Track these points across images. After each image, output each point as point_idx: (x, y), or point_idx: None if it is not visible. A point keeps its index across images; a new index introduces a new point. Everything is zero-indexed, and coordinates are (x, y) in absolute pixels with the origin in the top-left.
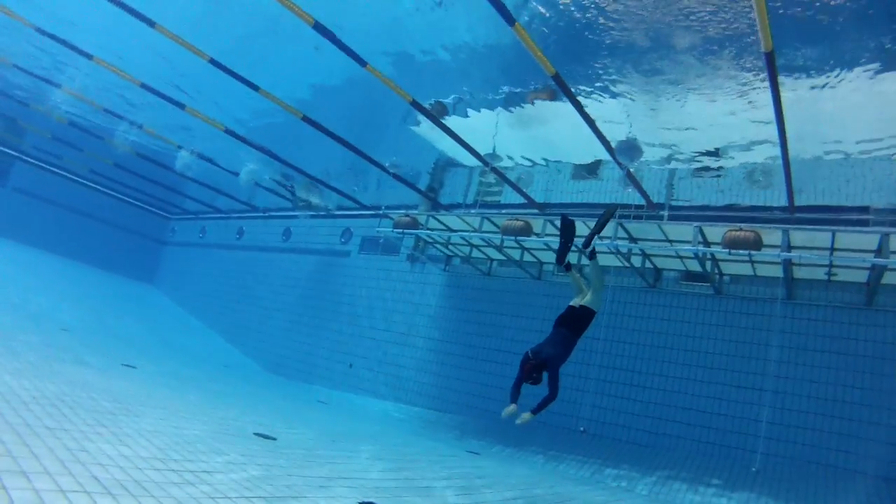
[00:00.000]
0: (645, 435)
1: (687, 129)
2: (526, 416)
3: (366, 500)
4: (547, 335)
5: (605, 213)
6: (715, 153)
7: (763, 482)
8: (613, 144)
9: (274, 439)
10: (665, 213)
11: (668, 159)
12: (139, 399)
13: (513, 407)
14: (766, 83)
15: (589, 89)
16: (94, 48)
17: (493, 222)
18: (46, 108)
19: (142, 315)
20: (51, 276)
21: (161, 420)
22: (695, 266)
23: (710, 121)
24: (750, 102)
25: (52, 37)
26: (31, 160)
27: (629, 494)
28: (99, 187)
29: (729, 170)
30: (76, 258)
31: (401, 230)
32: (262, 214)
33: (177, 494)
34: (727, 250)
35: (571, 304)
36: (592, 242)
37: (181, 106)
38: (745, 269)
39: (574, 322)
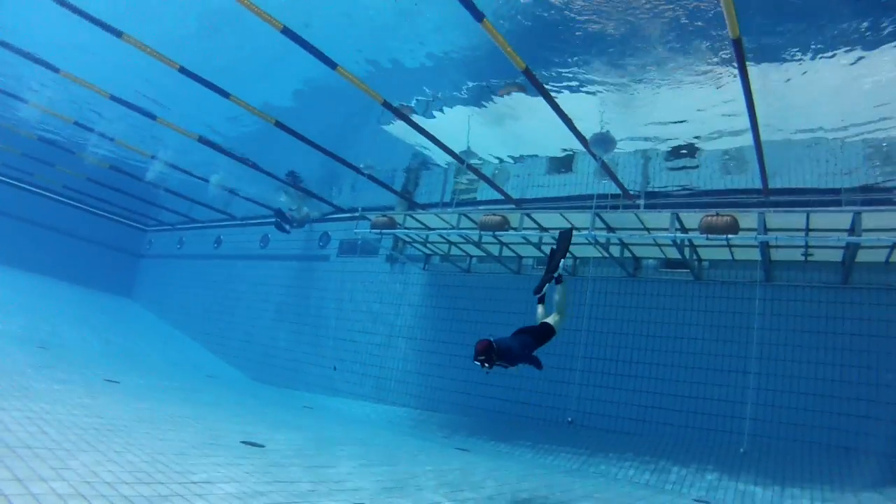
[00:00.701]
0: (632, 423)
1: (660, 118)
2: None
3: (357, 502)
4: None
5: (561, 242)
6: (689, 142)
7: (751, 463)
8: (587, 137)
9: (262, 447)
10: (641, 202)
11: (642, 149)
12: (123, 414)
13: None
14: (736, 70)
15: (560, 83)
16: (61, 61)
17: (470, 219)
18: (14, 124)
19: (122, 329)
20: (27, 294)
21: (146, 433)
22: (673, 253)
23: (683, 109)
24: (721, 89)
25: (18, 50)
26: (2, 178)
27: (617, 482)
28: (73, 202)
29: (703, 157)
30: (52, 275)
31: (378, 230)
32: (239, 222)
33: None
34: (704, 236)
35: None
36: (557, 271)
37: (152, 117)
38: (724, 254)
39: (536, 335)
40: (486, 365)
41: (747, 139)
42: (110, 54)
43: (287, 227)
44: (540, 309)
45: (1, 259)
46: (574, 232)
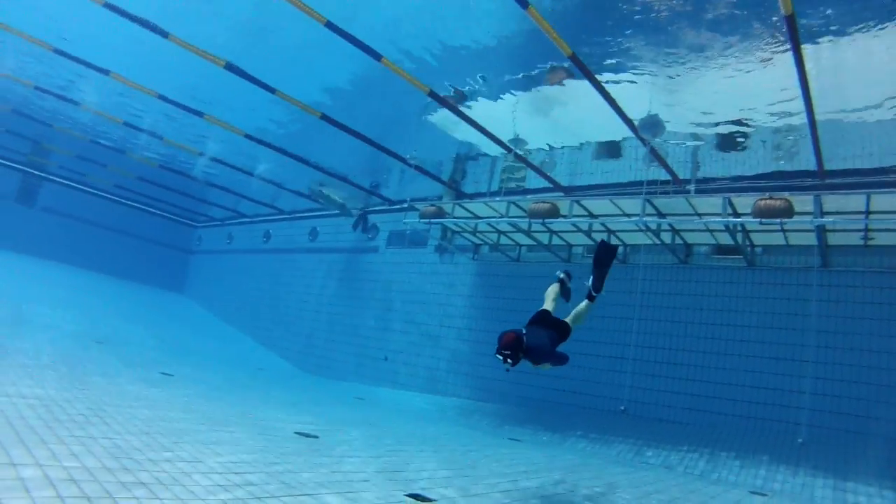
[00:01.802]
0: (685, 412)
1: (710, 101)
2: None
3: (412, 492)
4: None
5: (605, 252)
6: (739, 123)
7: (809, 454)
8: (635, 121)
9: (315, 437)
10: (692, 186)
11: (692, 133)
12: (178, 406)
13: None
14: (789, 48)
15: (608, 67)
16: (111, 64)
17: (519, 206)
18: (68, 126)
19: (174, 324)
20: (83, 291)
21: (201, 425)
22: (725, 239)
23: (733, 91)
24: (773, 70)
25: (70, 56)
26: (58, 179)
27: (672, 473)
28: (124, 201)
29: (755, 140)
30: (107, 272)
31: (427, 220)
32: (287, 216)
33: (223, 496)
34: (758, 220)
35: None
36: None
37: (199, 114)
38: (778, 239)
39: (560, 331)
40: (510, 361)
41: (801, 120)
42: (158, 55)
43: (362, 226)
44: (553, 294)
45: (58, 257)
46: (624, 218)
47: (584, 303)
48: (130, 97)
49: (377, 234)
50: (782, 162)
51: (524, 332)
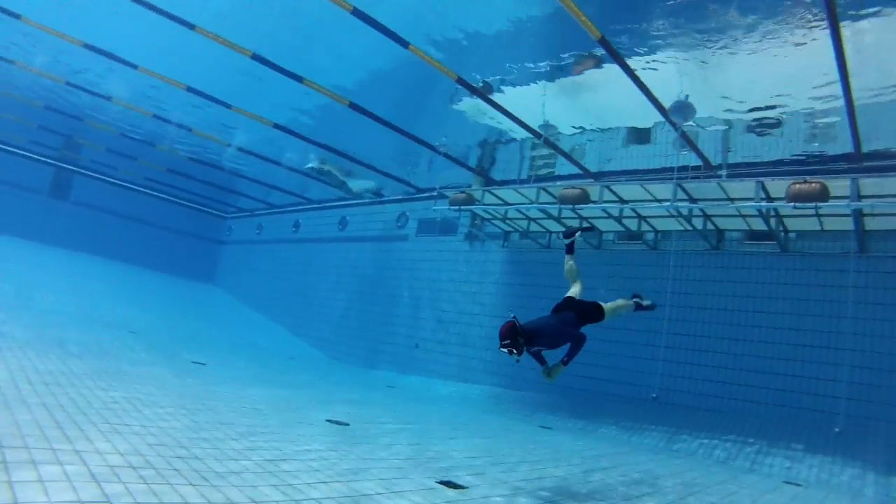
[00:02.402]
0: (717, 400)
1: (742, 84)
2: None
3: (444, 479)
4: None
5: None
6: (772, 107)
7: (847, 444)
8: (666, 105)
9: (346, 424)
10: (723, 171)
11: (723, 118)
12: (211, 394)
13: None
14: (826, 26)
15: (638, 50)
16: (139, 57)
17: (549, 192)
18: (98, 121)
19: (206, 314)
20: (116, 282)
21: (233, 412)
22: (758, 224)
23: (766, 72)
24: (809, 48)
25: (99, 51)
26: (90, 173)
27: (704, 461)
28: (155, 193)
29: (789, 122)
30: (139, 264)
31: (457, 207)
32: (317, 206)
33: (255, 482)
34: (792, 204)
35: (570, 294)
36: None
37: (227, 106)
38: (812, 224)
39: (582, 311)
40: (515, 352)
41: (838, 101)
42: (185, 47)
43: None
44: (572, 273)
45: (91, 250)
46: (655, 203)
47: (631, 302)
48: (159, 90)
49: (406, 222)
50: (817, 144)
51: (519, 322)
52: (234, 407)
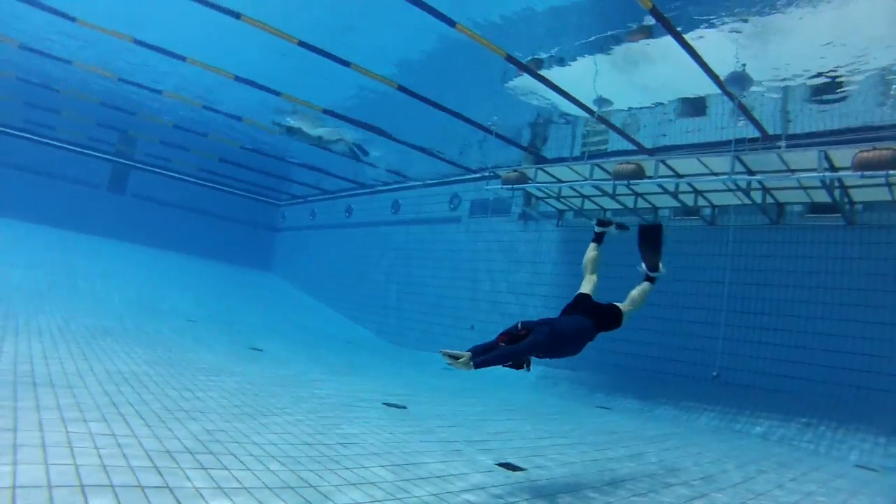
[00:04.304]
0: (780, 379)
1: (802, 48)
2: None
3: (503, 461)
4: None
5: (648, 235)
6: (837, 70)
7: None
8: (722, 76)
9: (404, 408)
10: (783, 143)
11: (782, 86)
12: (269, 380)
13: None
14: None
15: (691, 18)
16: (187, 49)
17: (603, 169)
18: (152, 114)
19: (262, 300)
20: (173, 272)
21: (291, 397)
22: (821, 196)
23: (830, 35)
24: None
25: (149, 46)
26: (145, 166)
27: (766, 443)
28: (209, 184)
29: (855, 87)
30: (196, 254)
31: (510, 186)
32: (369, 190)
33: (313, 467)
34: (859, 174)
35: (585, 292)
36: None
37: (277, 93)
38: (882, 194)
39: (602, 318)
40: (519, 365)
41: None
42: (232, 37)
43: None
44: (591, 264)
45: (149, 242)
46: (712, 177)
47: (645, 284)
48: (208, 80)
49: (459, 203)
50: (887, 108)
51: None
52: (291, 391)
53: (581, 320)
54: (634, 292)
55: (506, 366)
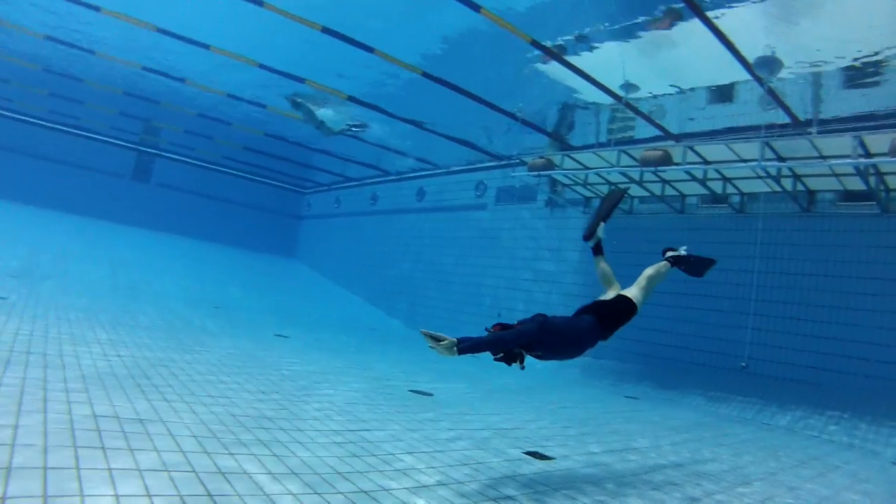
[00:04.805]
0: (811, 371)
1: (834, 30)
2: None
3: (531, 449)
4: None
5: (610, 198)
6: (872, 54)
7: None
8: (751, 60)
9: (430, 395)
10: (814, 128)
11: (813, 71)
12: (293, 366)
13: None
14: None
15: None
16: (210, 38)
17: (630, 155)
18: (175, 103)
19: (288, 287)
20: (200, 260)
21: (317, 384)
22: (855, 183)
23: (866, 16)
24: None
25: (172, 34)
26: (169, 155)
27: (795, 435)
28: (234, 172)
29: (890, 71)
30: (221, 242)
31: (536, 172)
32: (394, 178)
33: (338, 452)
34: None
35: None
36: (597, 232)
37: (301, 80)
38: None
39: (608, 316)
40: (511, 361)
41: None
42: (255, 24)
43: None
44: (602, 265)
45: (174, 230)
46: (741, 164)
47: (662, 264)
48: (232, 69)
49: (485, 191)
50: None
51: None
52: (314, 378)
53: (582, 320)
54: (648, 272)
55: (497, 359)
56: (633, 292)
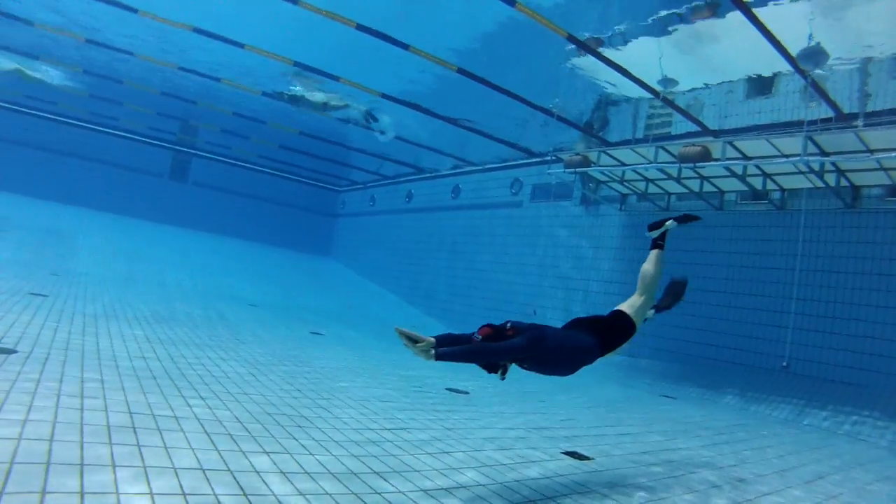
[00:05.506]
0: (854, 372)
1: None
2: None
3: (569, 449)
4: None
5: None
6: None
7: None
8: (793, 52)
9: (466, 393)
10: (860, 122)
11: (858, 65)
12: (329, 363)
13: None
14: None
15: None
16: (243, 36)
17: (668, 151)
18: (212, 102)
19: (323, 285)
20: (236, 259)
21: (352, 381)
22: None
23: None
24: None
25: (207, 34)
26: (206, 154)
27: (837, 437)
28: (270, 171)
29: None
30: (257, 240)
31: (573, 169)
32: (429, 175)
33: (375, 451)
34: None
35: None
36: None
37: (336, 78)
38: None
39: (604, 332)
40: (494, 371)
41: None
42: (290, 22)
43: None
44: (648, 266)
45: (211, 229)
46: (782, 159)
47: (652, 254)
48: (267, 67)
49: (521, 188)
50: None
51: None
52: (350, 376)
53: (580, 338)
54: (646, 268)
55: (479, 365)
56: (632, 306)
